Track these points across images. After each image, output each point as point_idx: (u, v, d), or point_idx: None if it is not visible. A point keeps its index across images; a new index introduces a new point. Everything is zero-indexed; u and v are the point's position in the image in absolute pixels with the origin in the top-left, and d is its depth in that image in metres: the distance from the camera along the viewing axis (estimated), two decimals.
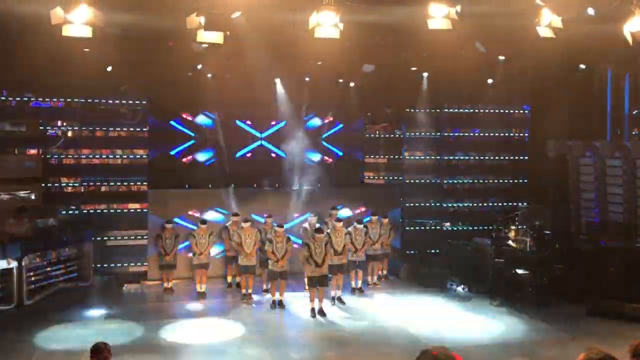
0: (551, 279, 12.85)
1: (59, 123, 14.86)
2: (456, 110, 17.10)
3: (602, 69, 15.26)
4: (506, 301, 12.43)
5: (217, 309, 12.31)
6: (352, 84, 15.72)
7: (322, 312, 11.72)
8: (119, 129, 15.15)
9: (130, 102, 15.05)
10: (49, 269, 12.26)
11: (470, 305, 12.56)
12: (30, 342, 9.86)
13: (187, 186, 15.09)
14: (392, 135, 17.09)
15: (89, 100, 14.72)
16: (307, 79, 15.25)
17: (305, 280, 12.80)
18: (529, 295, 12.40)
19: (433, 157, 17.25)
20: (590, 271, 12.61)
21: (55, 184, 14.66)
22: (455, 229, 16.67)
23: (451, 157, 17.22)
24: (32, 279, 11.77)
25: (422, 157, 17.25)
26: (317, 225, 13.22)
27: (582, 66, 14.67)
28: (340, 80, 15.59)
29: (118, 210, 14.86)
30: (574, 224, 15.68)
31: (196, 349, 9.94)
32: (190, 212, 14.62)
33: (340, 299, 12.67)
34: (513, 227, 14.93)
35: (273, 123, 16.03)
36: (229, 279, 13.84)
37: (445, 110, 16.95)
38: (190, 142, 15.61)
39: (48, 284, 12.15)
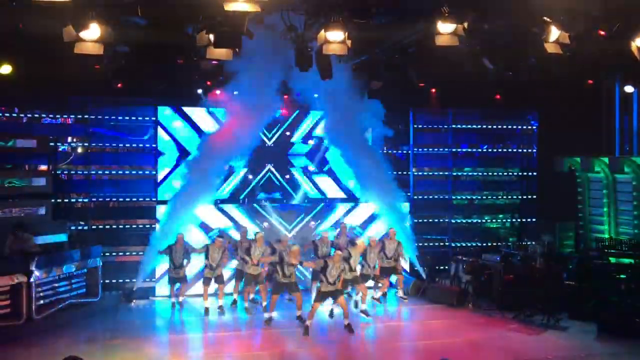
0: (562, 295, 12.76)
1: (69, 139, 14.99)
2: (464, 126, 17.09)
3: (611, 84, 15.25)
4: (516, 318, 12.34)
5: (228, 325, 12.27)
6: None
7: (350, 328, 11.48)
8: (128, 145, 15.24)
9: (140, 117, 15.15)
10: (58, 284, 12.27)
11: (479, 321, 12.46)
12: (39, 358, 9.87)
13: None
14: (399, 151, 17.07)
15: (99, 117, 14.84)
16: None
17: (313, 295, 12.62)
18: (539, 312, 12.31)
19: (441, 173, 17.22)
20: (601, 288, 12.51)
21: (65, 200, 14.74)
22: (464, 245, 16.62)
23: (460, 173, 17.18)
24: (41, 294, 11.78)
25: (430, 173, 17.23)
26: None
27: (590, 82, 14.67)
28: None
29: (127, 226, 14.89)
30: (584, 239, 15.58)
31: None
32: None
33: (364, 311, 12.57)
34: (522, 243, 14.88)
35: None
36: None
37: (453, 126, 16.94)
38: None
39: (57, 300, 12.15)
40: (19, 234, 12.09)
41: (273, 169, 15.81)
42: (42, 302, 11.74)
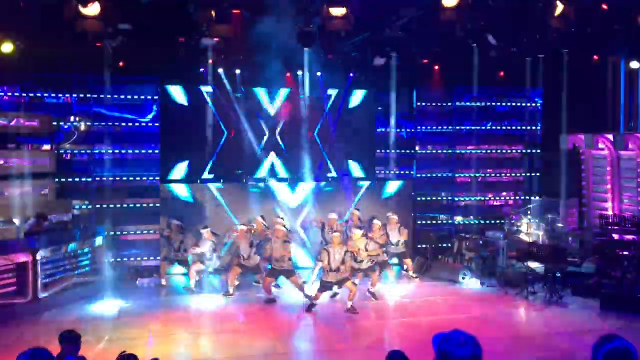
0: (564, 272, 12.81)
1: (72, 118, 14.97)
2: (468, 104, 16.99)
3: (616, 60, 15.12)
4: (519, 295, 12.40)
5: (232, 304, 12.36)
6: (362, 78, 15.65)
7: (353, 309, 11.30)
8: (131, 124, 15.22)
9: (143, 96, 15.10)
10: (63, 262, 12.35)
11: (483, 298, 12.53)
12: (45, 335, 9.95)
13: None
14: (402, 130, 17.02)
15: (101, 96, 14.80)
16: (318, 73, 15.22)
17: (313, 277, 12.43)
18: (542, 288, 12.36)
19: (445, 151, 17.17)
20: (604, 264, 12.54)
21: (69, 179, 14.76)
22: (467, 222, 16.64)
23: (463, 151, 17.14)
24: (47, 272, 11.86)
25: (434, 151, 17.18)
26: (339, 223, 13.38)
27: (595, 57, 14.57)
28: (351, 74, 15.54)
29: (131, 205, 14.93)
30: (587, 216, 15.58)
31: (209, 340, 10.00)
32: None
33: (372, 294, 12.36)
34: (526, 221, 14.90)
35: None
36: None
37: (457, 103, 16.85)
38: None
39: (62, 278, 12.24)
40: (42, 223, 12.22)
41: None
42: (47, 280, 11.83)
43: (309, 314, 11.30)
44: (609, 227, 13.91)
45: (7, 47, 11.30)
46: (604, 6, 10.08)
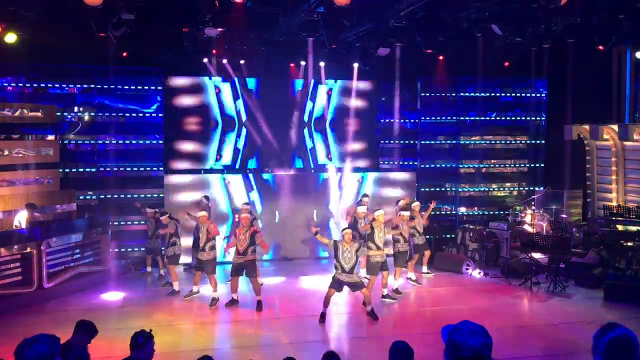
0: (568, 263, 12.80)
1: (76, 109, 15.00)
2: (472, 94, 16.94)
3: (621, 50, 15.03)
4: (523, 285, 12.41)
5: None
6: (366, 68, 15.62)
7: (373, 314, 10.41)
8: (135, 114, 15.22)
9: (147, 87, 15.11)
10: (67, 253, 12.40)
11: (486, 289, 12.54)
12: (50, 325, 10.00)
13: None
14: (406, 120, 16.98)
15: (105, 86, 14.81)
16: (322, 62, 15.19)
17: None
18: (546, 279, 12.36)
19: (449, 142, 17.14)
20: (607, 255, 12.53)
21: (73, 170, 14.80)
22: (471, 213, 16.64)
23: (467, 142, 17.10)
24: (52, 262, 11.92)
25: (438, 142, 17.16)
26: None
27: (601, 47, 14.45)
28: (356, 65, 15.49)
29: (135, 196, 14.96)
30: (592, 207, 15.55)
31: (212, 330, 10.04)
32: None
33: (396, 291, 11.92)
34: (529, 212, 14.89)
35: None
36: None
37: (461, 94, 16.79)
38: None
39: (67, 268, 12.29)
40: (32, 213, 12.21)
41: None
42: (52, 270, 11.88)
43: (315, 306, 11.29)
44: (613, 218, 13.89)
45: (11, 38, 11.29)
46: None
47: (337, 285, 10.36)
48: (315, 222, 13.49)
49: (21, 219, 12.20)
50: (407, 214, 12.39)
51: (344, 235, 10.45)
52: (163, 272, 13.35)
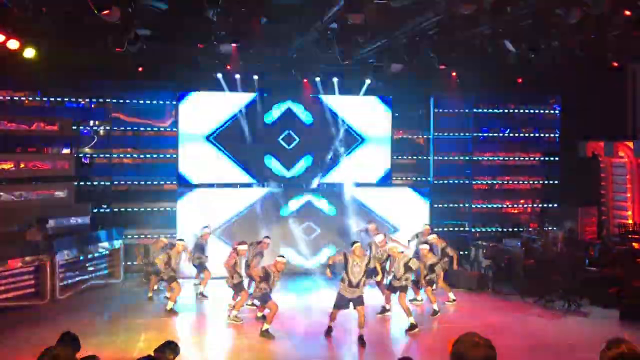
0: (583, 281, 12.65)
1: (91, 123, 15.17)
2: (486, 110, 16.91)
3: (636, 67, 14.97)
4: (537, 303, 12.27)
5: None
6: (380, 84, 15.64)
7: (362, 340, 9.89)
8: (149, 128, 15.36)
9: (161, 102, 15.25)
10: (80, 265, 12.48)
11: (499, 306, 12.41)
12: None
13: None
14: (419, 136, 16.96)
15: (120, 101, 14.97)
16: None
17: None
18: (560, 297, 12.23)
19: (462, 158, 17.09)
20: (623, 273, 12.37)
21: (87, 183, 14.94)
22: (484, 230, 16.52)
23: (481, 158, 17.04)
24: (65, 275, 11.99)
25: (451, 158, 17.11)
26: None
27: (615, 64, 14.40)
28: (368, 81, 15.53)
29: (148, 209, 15.04)
30: (606, 225, 15.40)
31: (221, 344, 10.02)
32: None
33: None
34: (544, 229, 14.77)
35: None
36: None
37: (475, 110, 16.77)
38: None
39: (80, 281, 12.37)
40: (44, 228, 12.30)
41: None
42: (65, 282, 11.95)
43: (324, 319, 11.22)
44: (629, 236, 13.74)
45: (30, 53, 11.47)
46: (627, 12, 9.94)
47: (340, 304, 10.13)
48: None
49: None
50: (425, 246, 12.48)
51: (354, 249, 10.20)
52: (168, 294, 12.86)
